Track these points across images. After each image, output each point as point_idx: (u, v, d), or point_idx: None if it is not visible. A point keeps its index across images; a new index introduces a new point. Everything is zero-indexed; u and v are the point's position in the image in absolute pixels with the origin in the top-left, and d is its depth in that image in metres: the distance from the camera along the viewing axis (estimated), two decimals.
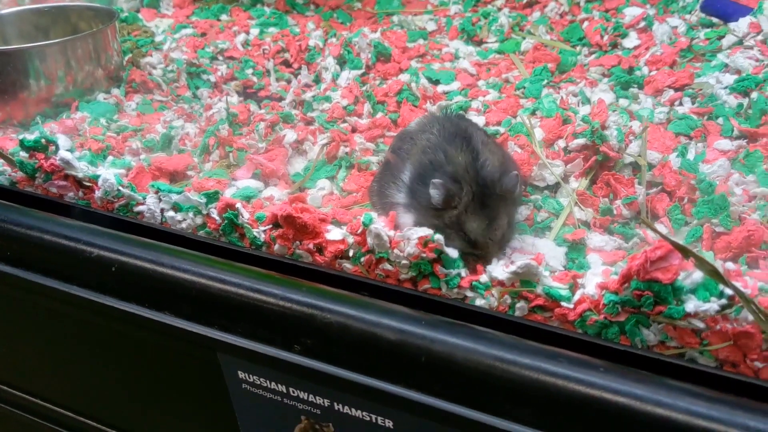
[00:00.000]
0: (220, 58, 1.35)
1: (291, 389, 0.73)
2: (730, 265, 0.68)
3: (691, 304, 0.60)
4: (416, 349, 0.63)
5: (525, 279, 0.68)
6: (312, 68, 1.29)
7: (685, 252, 0.61)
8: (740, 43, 1.11)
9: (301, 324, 0.68)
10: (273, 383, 0.74)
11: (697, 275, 0.61)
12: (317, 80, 1.26)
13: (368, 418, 0.69)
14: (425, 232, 0.71)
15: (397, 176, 0.81)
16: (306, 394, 0.72)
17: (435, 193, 0.74)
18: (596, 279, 0.68)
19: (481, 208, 0.74)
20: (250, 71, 1.30)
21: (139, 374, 0.84)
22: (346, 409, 0.70)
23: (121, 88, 1.21)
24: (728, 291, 0.60)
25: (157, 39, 1.43)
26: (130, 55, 1.31)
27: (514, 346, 0.62)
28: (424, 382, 0.63)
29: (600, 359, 0.59)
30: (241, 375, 0.75)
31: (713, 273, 0.60)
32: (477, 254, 0.75)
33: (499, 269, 0.69)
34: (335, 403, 0.71)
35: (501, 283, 0.69)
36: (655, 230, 0.64)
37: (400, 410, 0.66)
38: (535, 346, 0.62)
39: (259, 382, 0.74)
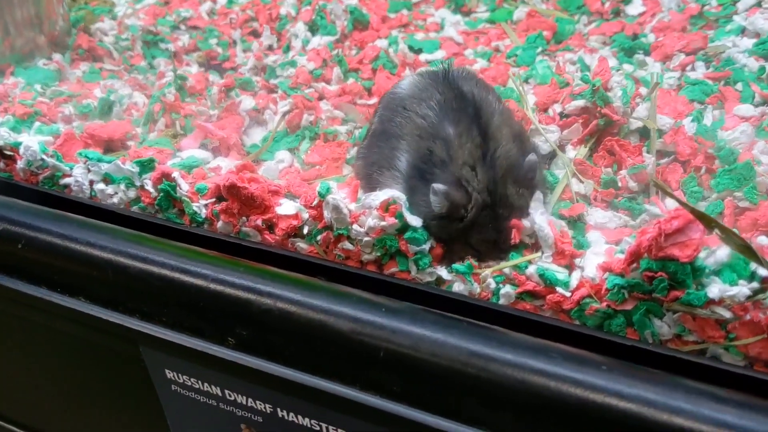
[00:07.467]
0: (183, 27, 1.24)
1: (227, 392, 0.61)
2: (763, 239, 0.57)
3: (715, 289, 0.52)
4: (373, 341, 0.54)
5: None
6: (283, 38, 1.17)
7: (709, 222, 0.53)
8: (759, 4, 1.00)
9: (235, 312, 0.58)
10: (206, 384, 0.62)
11: (723, 252, 0.54)
12: (287, 50, 1.14)
13: (317, 428, 0.58)
14: (387, 194, 0.60)
15: (391, 161, 0.69)
16: (244, 398, 0.61)
17: (436, 201, 0.62)
18: (597, 259, 0.60)
19: (490, 218, 0.62)
20: (214, 41, 1.19)
21: (54, 371, 0.73)
22: (292, 416, 0.59)
23: (65, 55, 1.10)
24: (762, 271, 0.52)
25: (119, 10, 1.31)
26: (83, 23, 1.19)
27: (495, 339, 0.53)
28: (383, 383, 0.54)
29: (602, 356, 0.51)
30: (169, 374, 0.63)
31: (744, 249, 0.52)
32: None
33: None
34: (279, 409, 0.60)
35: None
36: (671, 195, 0.53)
37: (354, 417, 0.55)
38: (521, 339, 0.53)
39: (190, 383, 0.63)
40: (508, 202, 0.63)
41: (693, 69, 0.92)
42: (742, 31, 0.97)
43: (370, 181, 0.72)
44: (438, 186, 0.61)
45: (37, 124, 0.87)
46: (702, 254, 0.53)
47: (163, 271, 0.60)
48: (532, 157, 0.63)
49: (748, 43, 0.92)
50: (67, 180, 0.77)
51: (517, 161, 0.64)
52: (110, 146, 0.85)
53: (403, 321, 0.53)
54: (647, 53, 0.99)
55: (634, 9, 1.13)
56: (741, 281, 0.52)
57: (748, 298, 0.52)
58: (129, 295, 0.61)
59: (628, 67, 0.94)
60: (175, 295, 0.59)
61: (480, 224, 0.63)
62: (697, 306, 0.52)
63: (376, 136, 0.74)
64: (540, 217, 0.62)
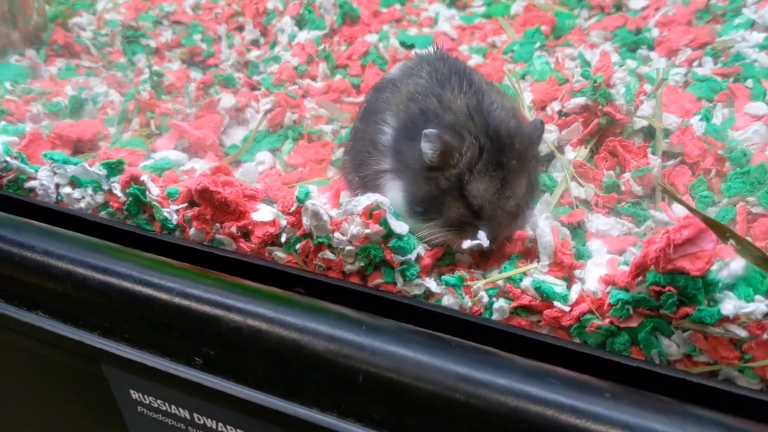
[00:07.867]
0: (166, 22, 1.19)
1: (196, 416, 0.57)
2: None
3: (729, 305, 0.50)
4: (352, 363, 0.49)
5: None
6: (269, 33, 1.12)
7: (723, 232, 0.50)
8: None
9: (202, 329, 0.54)
10: (174, 407, 0.57)
11: (738, 265, 0.51)
12: (273, 45, 1.09)
13: None
14: (371, 199, 0.55)
15: (375, 135, 0.65)
16: (214, 422, 0.56)
17: (428, 147, 0.57)
18: (599, 271, 0.56)
19: (491, 166, 0.57)
20: (198, 37, 1.15)
21: (11, 389, 0.69)
22: None
23: (40, 51, 1.05)
24: None
25: (100, 6, 1.27)
26: (61, 18, 1.14)
27: (486, 361, 0.48)
28: (363, 410, 0.50)
29: (604, 380, 0.48)
30: (135, 395, 0.58)
31: (761, 261, 0.50)
32: (481, 228, 0.58)
33: None
34: None
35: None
36: (679, 200, 0.49)
37: None
38: (516, 362, 0.49)
39: (156, 405, 0.58)
40: (514, 150, 0.57)
41: (700, 65, 0.88)
42: (752, 25, 0.93)
43: (357, 169, 0.67)
44: (430, 130, 0.56)
45: (2, 123, 0.83)
46: (714, 267, 0.50)
47: (124, 283, 0.55)
48: (538, 117, 0.59)
49: (758, 37, 0.89)
50: (32, 183, 0.73)
51: (519, 117, 0.59)
52: (80, 147, 0.81)
53: (384, 340, 0.49)
54: (651, 48, 0.96)
55: (636, 3, 1.11)
56: (757, 296, 0.49)
57: (766, 315, 0.49)
58: (89, 309, 0.57)
59: (631, 63, 0.91)
60: (137, 310, 0.55)
61: (480, 173, 0.57)
62: (709, 324, 0.49)
63: (359, 124, 0.70)
64: (544, 222, 0.57)
